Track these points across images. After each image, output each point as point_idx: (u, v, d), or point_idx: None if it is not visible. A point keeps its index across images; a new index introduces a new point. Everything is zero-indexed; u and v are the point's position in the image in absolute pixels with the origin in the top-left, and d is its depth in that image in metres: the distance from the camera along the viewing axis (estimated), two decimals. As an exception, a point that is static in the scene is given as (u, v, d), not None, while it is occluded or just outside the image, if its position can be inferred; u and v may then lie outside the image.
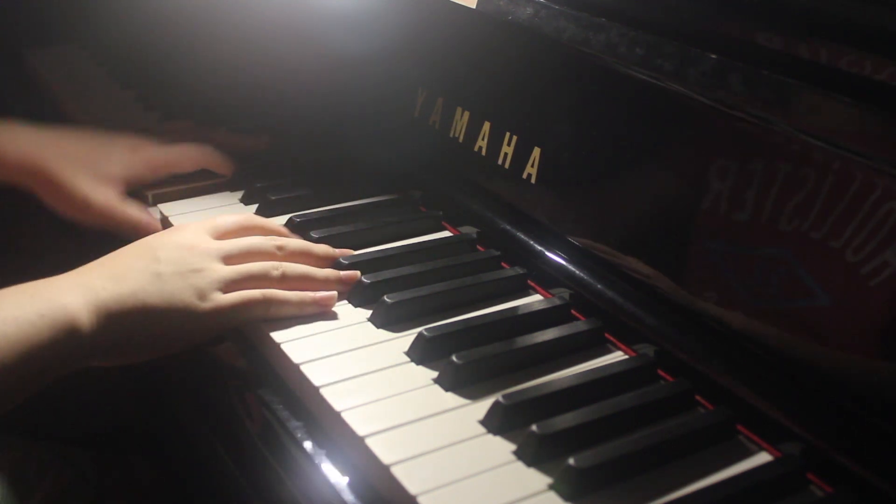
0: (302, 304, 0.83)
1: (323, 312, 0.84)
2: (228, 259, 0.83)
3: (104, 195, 0.99)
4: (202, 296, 0.80)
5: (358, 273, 0.87)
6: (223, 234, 0.87)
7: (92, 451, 1.03)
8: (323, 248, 0.90)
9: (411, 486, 0.65)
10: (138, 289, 0.78)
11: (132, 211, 1.00)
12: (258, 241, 0.87)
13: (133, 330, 0.78)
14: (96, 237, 1.02)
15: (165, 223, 1.01)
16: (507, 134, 0.95)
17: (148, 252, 0.81)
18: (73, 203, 1.00)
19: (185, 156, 1.06)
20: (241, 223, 0.89)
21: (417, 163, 1.06)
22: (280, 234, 0.91)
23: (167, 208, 1.02)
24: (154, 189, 1.05)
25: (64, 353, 0.74)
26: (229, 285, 0.81)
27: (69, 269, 0.81)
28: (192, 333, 0.81)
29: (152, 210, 1.03)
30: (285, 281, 0.84)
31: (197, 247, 0.83)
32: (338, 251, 0.90)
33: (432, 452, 0.68)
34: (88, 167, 1.00)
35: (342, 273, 0.87)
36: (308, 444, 0.73)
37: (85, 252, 0.84)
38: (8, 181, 1.01)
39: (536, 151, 0.91)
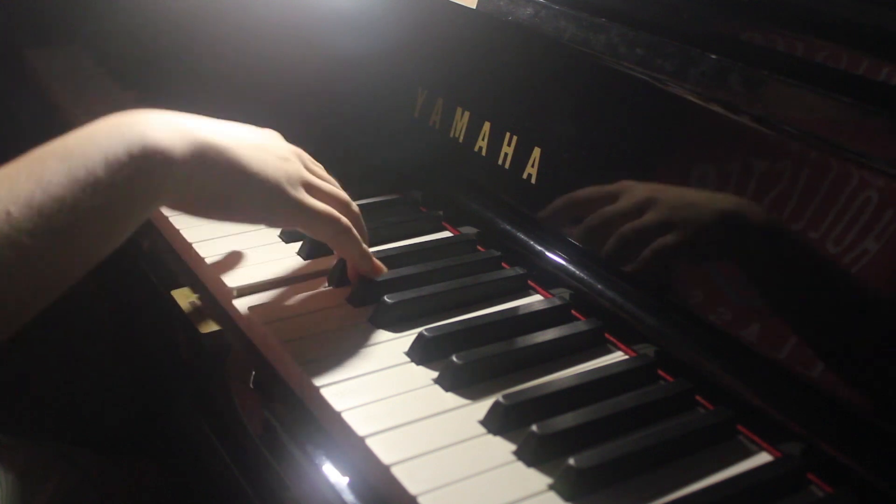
0: (365, 255, 0.85)
1: (374, 273, 0.87)
2: (310, 189, 0.84)
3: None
4: (295, 184, 0.81)
5: (385, 269, 0.88)
6: (313, 172, 0.87)
7: (96, 453, 1.03)
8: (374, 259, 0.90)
9: (411, 487, 0.65)
10: (237, 145, 0.78)
11: None
12: (338, 190, 0.87)
13: (224, 180, 0.77)
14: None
15: (168, 226, 1.00)
16: (507, 134, 0.95)
17: (254, 131, 0.83)
18: None
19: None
20: (321, 171, 0.89)
21: (417, 163, 1.06)
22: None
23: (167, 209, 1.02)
24: None
25: (156, 188, 0.72)
26: (316, 192, 0.83)
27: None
28: (272, 212, 0.81)
29: None
30: (356, 221, 0.86)
31: (298, 152, 0.86)
32: (378, 263, 0.89)
33: (432, 452, 0.68)
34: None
35: (375, 261, 0.88)
36: (308, 445, 0.73)
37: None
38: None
39: (536, 151, 0.91)
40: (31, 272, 0.65)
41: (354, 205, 0.88)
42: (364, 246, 0.86)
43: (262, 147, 0.81)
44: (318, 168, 0.88)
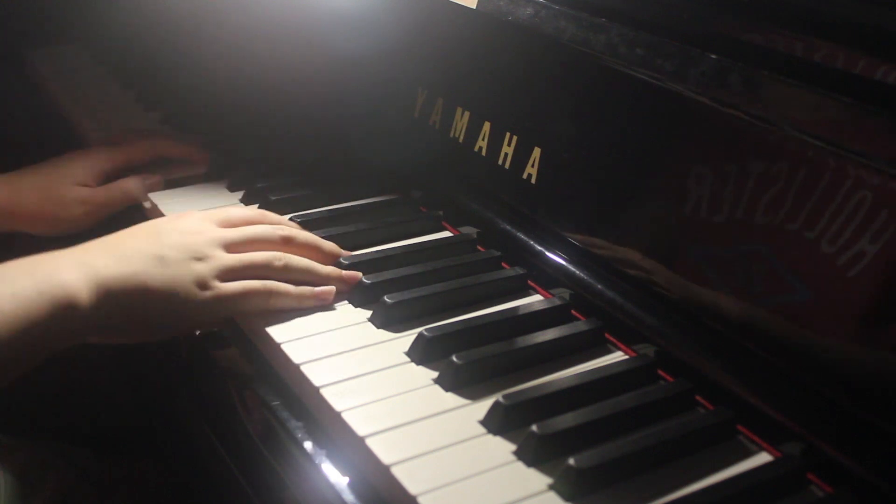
0: (301, 297, 0.84)
1: (322, 306, 0.84)
2: (232, 247, 0.84)
3: (78, 198, 1.06)
4: (203, 283, 0.80)
5: (360, 274, 0.87)
6: (230, 225, 0.87)
7: (95, 452, 1.03)
8: (330, 245, 0.90)
9: (411, 487, 0.65)
10: (140, 270, 0.78)
11: (110, 190, 1.06)
12: (263, 230, 0.87)
13: (132, 310, 0.78)
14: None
15: (155, 213, 1.01)
16: (507, 134, 0.95)
17: (153, 235, 0.82)
18: (60, 221, 1.06)
19: (137, 149, 1.13)
20: (249, 216, 0.89)
21: (417, 163, 1.06)
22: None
23: (160, 200, 1.03)
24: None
25: (61, 330, 0.74)
26: (231, 273, 0.82)
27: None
28: (190, 319, 0.82)
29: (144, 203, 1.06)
30: (287, 272, 0.85)
31: (202, 233, 0.83)
32: (346, 273, 0.88)
33: (432, 452, 0.68)
34: (53, 189, 1.06)
35: (344, 272, 0.87)
36: (308, 444, 0.73)
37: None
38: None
39: (536, 151, 0.91)
40: None
41: (285, 226, 0.90)
42: (294, 290, 0.84)
43: (164, 259, 0.79)
44: (237, 211, 0.89)
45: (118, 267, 0.77)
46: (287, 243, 0.87)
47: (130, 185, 1.06)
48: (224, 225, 0.86)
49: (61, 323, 0.74)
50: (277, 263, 0.84)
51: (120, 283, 0.77)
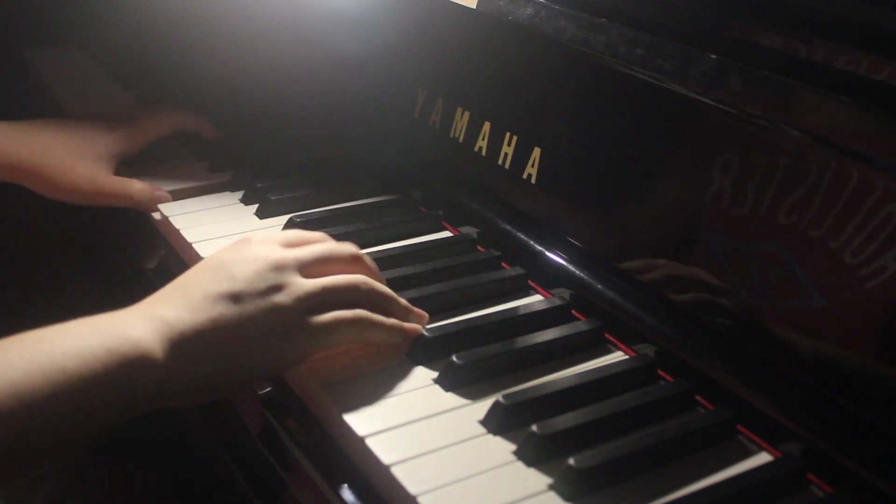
0: (392, 330, 0.77)
1: (407, 340, 0.78)
2: (307, 270, 0.75)
3: (89, 175, 1.02)
4: (288, 317, 0.72)
5: (427, 315, 0.81)
6: (293, 245, 0.78)
7: (92, 455, 1.03)
8: (404, 301, 0.81)
9: (411, 486, 0.65)
10: (216, 316, 0.69)
11: (122, 183, 1.04)
12: (334, 248, 0.79)
13: (214, 362, 0.70)
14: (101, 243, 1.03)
15: (166, 224, 1.00)
16: (507, 134, 0.95)
17: (220, 272, 0.72)
18: (61, 189, 1.03)
19: (158, 122, 1.12)
20: (308, 236, 0.81)
21: (417, 163, 1.06)
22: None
23: (167, 209, 1.02)
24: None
25: (135, 392, 0.66)
26: (313, 301, 0.73)
27: (73, 277, 0.78)
28: (279, 360, 0.73)
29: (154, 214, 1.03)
30: (372, 297, 0.77)
31: (271, 258, 0.74)
32: (417, 310, 0.81)
33: (432, 452, 0.68)
34: (69, 153, 1.03)
35: (415, 308, 0.81)
36: (308, 444, 0.73)
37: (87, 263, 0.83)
38: None
39: (536, 151, 0.91)
40: None
41: (361, 254, 0.80)
42: (387, 321, 0.77)
43: (240, 296, 0.71)
44: (305, 253, 0.77)
45: (191, 316, 0.69)
46: (356, 262, 0.79)
47: (139, 189, 1.03)
48: (287, 246, 0.77)
49: (135, 384, 0.66)
50: (364, 288, 0.76)
51: (196, 334, 0.69)
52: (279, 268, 0.73)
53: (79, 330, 0.66)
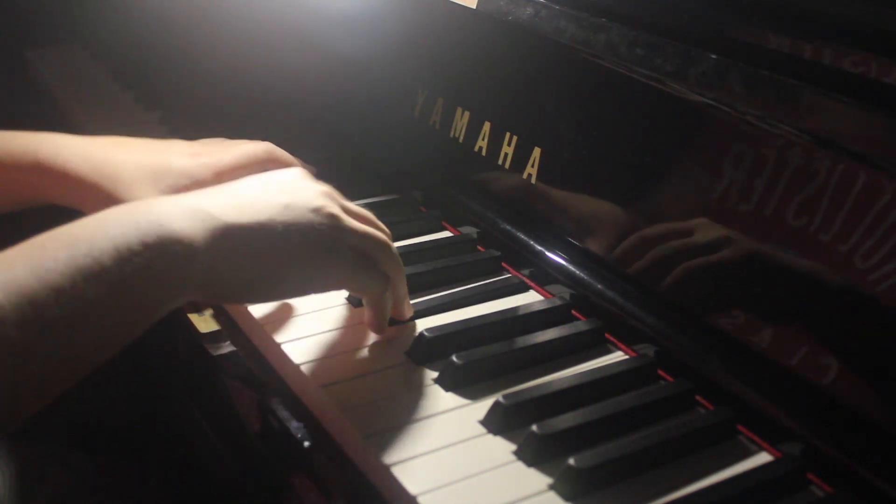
0: (404, 305, 0.80)
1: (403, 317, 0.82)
2: (353, 216, 0.76)
3: None
4: (335, 238, 0.72)
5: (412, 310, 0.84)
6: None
7: (92, 456, 1.03)
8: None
9: (411, 487, 0.65)
10: (267, 219, 0.69)
11: None
12: (381, 232, 0.78)
13: (254, 264, 0.69)
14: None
15: None
16: (507, 134, 0.95)
17: (274, 184, 0.73)
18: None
19: (249, 153, 0.95)
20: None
21: (417, 163, 1.06)
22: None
23: None
24: None
25: (176, 283, 0.65)
26: (356, 237, 0.74)
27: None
28: (311, 280, 0.73)
29: None
30: (394, 264, 0.78)
31: (323, 188, 0.75)
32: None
33: (432, 452, 0.68)
34: (146, 181, 0.87)
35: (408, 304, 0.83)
36: (308, 444, 0.73)
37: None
38: (52, 199, 0.89)
39: (536, 151, 0.91)
40: (20, 367, 0.58)
41: (391, 242, 0.79)
42: (399, 290, 0.79)
43: (290, 206, 0.71)
44: (350, 204, 0.78)
45: (240, 215, 0.68)
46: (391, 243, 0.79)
47: None
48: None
49: (177, 273, 0.64)
50: (393, 252, 0.77)
51: (241, 230, 0.68)
52: (331, 196, 0.75)
53: (116, 221, 0.64)
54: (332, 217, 0.73)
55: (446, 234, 1.00)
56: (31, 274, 0.58)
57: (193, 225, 0.65)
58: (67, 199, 0.87)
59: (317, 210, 0.72)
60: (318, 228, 0.71)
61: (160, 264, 0.63)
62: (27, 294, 0.57)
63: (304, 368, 0.76)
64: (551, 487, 0.66)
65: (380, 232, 0.78)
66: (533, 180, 0.92)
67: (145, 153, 0.89)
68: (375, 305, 0.78)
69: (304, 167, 0.97)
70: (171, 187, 0.87)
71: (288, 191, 0.72)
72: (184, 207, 0.66)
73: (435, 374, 0.76)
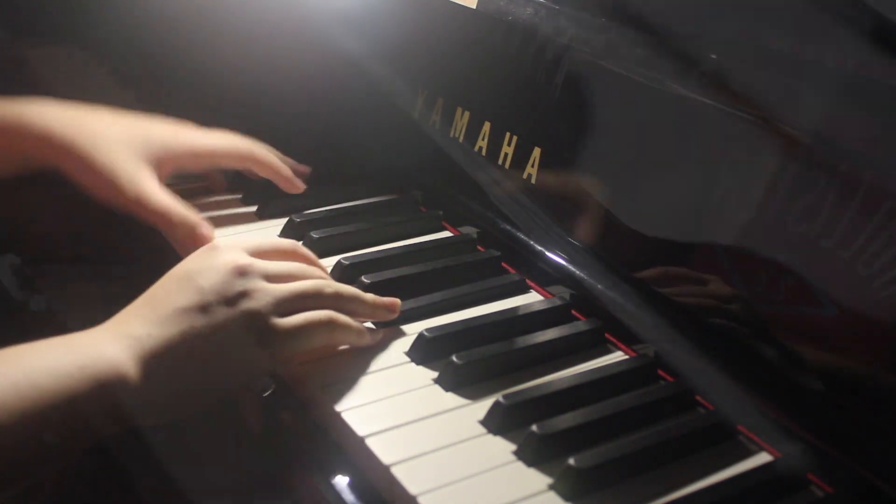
0: (361, 333, 0.78)
1: (373, 346, 0.79)
2: (275, 280, 0.75)
3: (136, 179, 0.87)
4: (258, 324, 0.71)
5: (399, 301, 0.82)
6: (262, 254, 0.77)
7: (90, 456, 1.02)
8: (371, 297, 0.81)
9: (411, 487, 0.65)
10: (186, 329, 0.69)
11: (167, 203, 0.86)
12: (306, 268, 0.79)
13: (188, 377, 0.69)
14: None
15: None
16: (507, 134, 0.95)
17: (187, 283, 0.72)
18: (102, 184, 0.87)
19: (234, 148, 0.96)
20: (281, 246, 0.81)
21: (417, 163, 1.06)
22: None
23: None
24: None
25: (109, 411, 0.66)
26: (283, 306, 0.73)
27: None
28: (252, 366, 0.73)
29: None
30: (338, 300, 0.77)
31: (239, 266, 0.73)
32: (387, 300, 0.81)
33: (432, 452, 0.68)
34: (123, 146, 0.88)
35: (386, 299, 0.81)
36: (307, 444, 0.73)
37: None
38: (35, 161, 0.90)
39: (536, 151, 0.91)
40: None
41: (321, 280, 0.78)
42: (353, 323, 0.77)
43: (206, 307, 0.70)
44: (268, 265, 0.76)
45: (160, 332, 0.68)
46: (328, 288, 0.78)
47: (180, 220, 0.86)
48: (255, 254, 0.77)
49: (108, 403, 0.65)
50: (328, 290, 0.76)
51: (168, 349, 0.68)
52: (245, 273, 0.73)
53: (52, 348, 0.66)
54: (254, 298, 0.72)
55: (446, 234, 1.00)
56: None
57: (122, 350, 0.67)
58: (48, 159, 0.89)
59: (236, 297, 0.71)
60: (241, 319, 0.71)
61: (95, 388, 0.65)
62: None
63: (302, 369, 0.76)
64: (551, 487, 0.66)
65: (308, 276, 0.77)
66: (533, 180, 0.92)
67: (127, 121, 0.93)
68: (345, 338, 0.77)
69: (293, 168, 1.01)
70: (148, 155, 0.88)
71: (206, 287, 0.71)
72: (114, 335, 0.68)
73: (435, 374, 0.76)
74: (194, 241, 0.84)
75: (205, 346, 0.69)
